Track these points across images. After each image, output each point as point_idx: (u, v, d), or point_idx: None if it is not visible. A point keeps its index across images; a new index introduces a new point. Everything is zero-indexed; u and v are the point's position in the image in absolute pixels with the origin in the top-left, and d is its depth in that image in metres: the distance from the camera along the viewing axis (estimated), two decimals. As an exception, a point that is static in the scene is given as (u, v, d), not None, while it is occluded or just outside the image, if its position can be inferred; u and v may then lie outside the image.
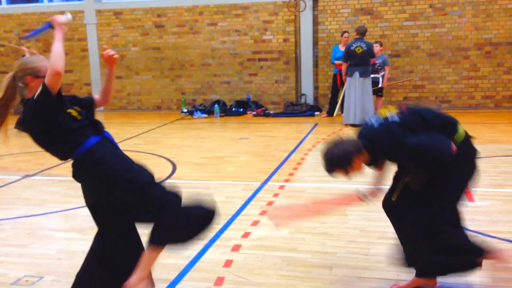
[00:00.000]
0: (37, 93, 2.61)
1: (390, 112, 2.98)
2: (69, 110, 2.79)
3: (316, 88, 12.40)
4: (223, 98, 12.61)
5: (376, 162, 3.15)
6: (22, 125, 2.72)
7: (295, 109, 11.65)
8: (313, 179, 5.99)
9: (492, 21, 11.27)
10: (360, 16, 11.83)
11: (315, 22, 12.15)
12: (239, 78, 12.75)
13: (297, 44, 12.28)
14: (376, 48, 9.97)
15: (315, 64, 12.30)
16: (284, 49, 12.39)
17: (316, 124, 10.10)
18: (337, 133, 9.17)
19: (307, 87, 12.30)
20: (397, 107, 3.04)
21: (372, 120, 3.01)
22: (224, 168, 6.70)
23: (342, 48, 10.68)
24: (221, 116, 11.71)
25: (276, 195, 5.34)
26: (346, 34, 10.84)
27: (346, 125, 9.69)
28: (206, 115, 11.88)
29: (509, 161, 6.42)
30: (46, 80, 2.58)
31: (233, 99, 12.57)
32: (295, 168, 6.46)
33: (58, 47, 2.62)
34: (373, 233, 4.18)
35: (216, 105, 11.85)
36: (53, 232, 4.48)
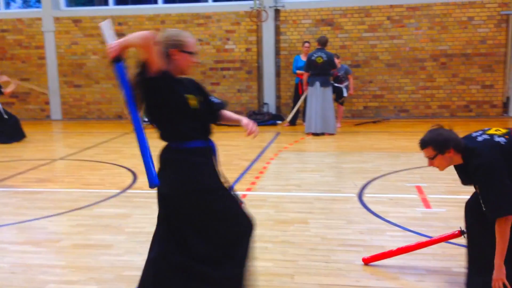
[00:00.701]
0: None
1: (499, 132, 3.05)
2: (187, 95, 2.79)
3: (278, 97, 12.50)
4: (185, 107, 12.52)
5: (460, 171, 3.21)
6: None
7: (258, 118, 11.70)
8: (275, 187, 6.02)
9: (447, 33, 11.66)
10: (321, 26, 12.03)
11: (277, 32, 12.28)
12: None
13: (259, 53, 12.36)
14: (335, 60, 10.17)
15: (277, 74, 12.41)
16: (246, 59, 12.46)
17: (278, 133, 10.18)
18: (300, 141, 9.26)
19: (269, 96, 12.39)
20: (507, 129, 3.10)
21: (478, 133, 3.11)
22: (186, 177, 6.64)
23: (303, 58, 10.83)
24: (183, 125, 11.61)
25: (238, 204, 5.33)
26: (307, 44, 11.00)
27: (308, 133, 9.80)
28: (168, 124, 11.74)
29: (464, 169, 6.63)
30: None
31: (195, 108, 12.50)
32: (257, 177, 6.47)
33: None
34: (334, 241, 4.23)
35: (178, 114, 11.75)
36: (7, 245, 4.33)
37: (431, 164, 3.14)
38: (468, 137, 3.14)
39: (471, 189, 5.81)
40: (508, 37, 11.39)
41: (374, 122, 11.38)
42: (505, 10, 11.32)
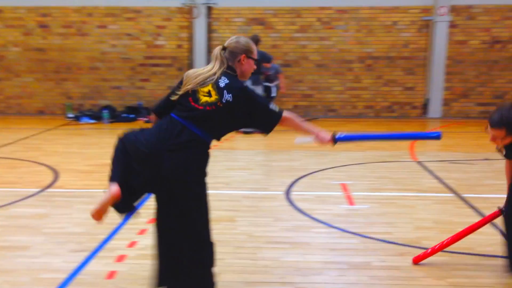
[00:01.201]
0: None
1: None
2: None
3: (209, 95, 12.40)
4: (113, 104, 12.19)
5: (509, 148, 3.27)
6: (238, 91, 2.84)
7: (154, 109, 11.55)
8: (209, 186, 5.96)
9: (373, 37, 12.09)
10: (253, 25, 12.09)
11: (209, 30, 12.21)
12: (130, 83, 12.41)
13: (191, 50, 12.24)
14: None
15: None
16: (177, 55, 12.29)
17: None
18: (231, 139, 9.26)
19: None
20: None
21: None
22: (112, 175, 6.45)
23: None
24: (110, 122, 11.30)
25: (165, 202, 5.25)
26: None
27: (239, 131, 9.81)
28: (94, 121, 11.39)
29: (386, 167, 6.90)
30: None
31: (123, 104, 12.19)
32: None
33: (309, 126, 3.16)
34: (261, 238, 4.25)
35: (105, 111, 11.42)
36: None
37: (494, 140, 3.20)
38: None
39: (392, 186, 6.05)
40: (429, 41, 11.99)
41: None
42: (426, 16, 11.90)
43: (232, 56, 2.93)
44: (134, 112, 11.87)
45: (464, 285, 3.40)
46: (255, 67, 3.01)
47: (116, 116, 11.63)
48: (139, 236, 4.25)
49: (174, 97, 2.91)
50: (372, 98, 12.33)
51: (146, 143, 2.77)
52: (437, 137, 3.15)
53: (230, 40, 2.98)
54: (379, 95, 12.30)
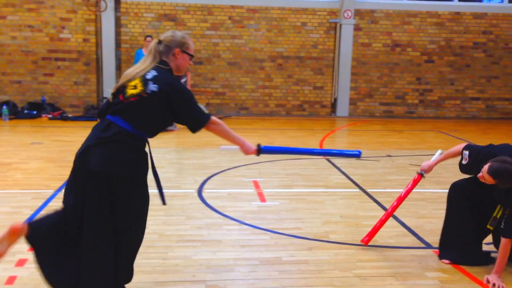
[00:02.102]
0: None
1: None
2: None
3: (118, 91, 12.02)
4: (13, 99, 11.43)
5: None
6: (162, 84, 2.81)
7: (97, 113, 11.13)
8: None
9: (283, 37, 12.36)
10: (164, 21, 11.88)
11: (118, 24, 11.82)
12: (32, 78, 11.70)
13: (98, 45, 11.77)
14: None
15: (118, 67, 11.95)
16: (84, 50, 11.77)
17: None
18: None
19: (109, 91, 11.85)
20: None
21: None
22: (12, 175, 6.05)
23: (145, 52, 10.56)
24: (10, 119, 10.59)
25: (71, 203, 5.01)
26: (149, 38, 10.73)
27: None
28: (-8, 118, 10.63)
29: (297, 164, 7.07)
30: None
31: (25, 100, 11.48)
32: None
33: (236, 137, 3.16)
34: (172, 237, 4.19)
35: (4, 107, 10.68)
36: None
37: (482, 178, 3.43)
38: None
39: (303, 183, 6.20)
40: (336, 43, 12.46)
41: None
42: (333, 19, 12.37)
43: (166, 50, 2.93)
44: (37, 108, 11.21)
45: (369, 276, 3.57)
46: (191, 62, 3.01)
47: (17, 113, 10.94)
48: (41, 239, 4.02)
49: (110, 98, 2.94)
50: (283, 97, 12.60)
51: (81, 146, 2.82)
52: (357, 155, 3.40)
53: (166, 34, 2.98)
54: (290, 94, 12.60)
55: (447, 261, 3.80)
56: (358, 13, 12.36)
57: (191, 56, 2.99)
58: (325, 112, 12.75)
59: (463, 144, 3.79)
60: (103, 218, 2.75)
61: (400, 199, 4.08)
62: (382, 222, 4.09)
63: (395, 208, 4.11)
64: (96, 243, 2.75)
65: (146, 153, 2.90)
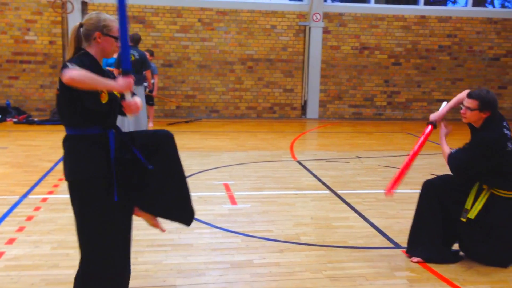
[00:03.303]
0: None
1: None
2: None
3: (86, 94, 11.82)
4: (-24, 103, 11.13)
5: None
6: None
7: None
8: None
9: (253, 39, 12.38)
10: (132, 24, 11.75)
11: (85, 26, 11.62)
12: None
13: (65, 47, 11.56)
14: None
15: (85, 70, 11.74)
16: (50, 52, 11.54)
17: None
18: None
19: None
20: None
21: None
22: (-25, 181, 5.88)
23: (115, 55, 10.43)
24: (-27, 123, 10.30)
25: (37, 208, 4.90)
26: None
27: (118, 133, 9.47)
28: (-46, 122, 10.31)
29: (268, 166, 7.09)
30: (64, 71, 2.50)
31: (-11, 104, 11.19)
32: (61, 179, 6.02)
33: (96, 78, 2.52)
34: (142, 242, 4.14)
35: (-33, 111, 10.39)
36: None
37: (464, 113, 3.72)
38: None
39: (274, 185, 6.21)
40: (305, 46, 12.56)
41: (186, 122, 11.52)
42: (302, 22, 12.46)
43: (87, 34, 2.71)
44: (1, 112, 10.94)
45: (340, 277, 3.60)
46: (117, 45, 2.74)
47: (-20, 117, 10.64)
48: (7, 246, 3.92)
49: None
50: (254, 99, 12.61)
51: None
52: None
53: (89, 15, 2.76)
54: (260, 96, 12.63)
55: (415, 259, 3.87)
56: (326, 16, 12.49)
57: (115, 38, 2.72)
58: (296, 114, 12.82)
59: (468, 90, 3.92)
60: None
61: (415, 154, 3.92)
62: (402, 172, 3.84)
63: (411, 160, 3.89)
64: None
65: (91, 150, 2.68)
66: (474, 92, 3.71)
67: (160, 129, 3.00)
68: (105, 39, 2.71)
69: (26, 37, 11.41)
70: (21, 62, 11.47)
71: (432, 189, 3.89)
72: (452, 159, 3.75)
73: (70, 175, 2.69)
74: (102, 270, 2.75)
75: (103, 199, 2.68)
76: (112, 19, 2.74)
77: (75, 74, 2.45)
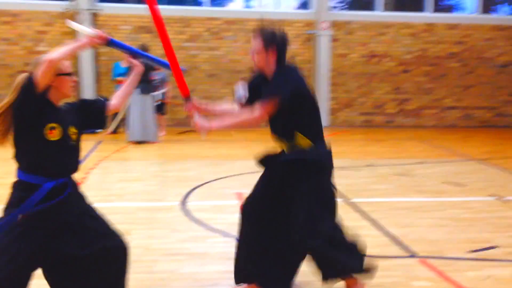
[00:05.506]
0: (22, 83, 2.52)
1: None
2: (52, 125, 2.52)
3: (97, 104, 11.91)
4: (-12, 114, 11.21)
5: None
6: None
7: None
8: (95, 198, 5.61)
9: (262, 48, 12.40)
10: (142, 34, 11.84)
11: (95, 37, 11.72)
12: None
13: (76, 58, 11.65)
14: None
15: (97, 80, 11.84)
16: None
17: (99, 142, 9.68)
18: (122, 150, 8.95)
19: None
20: None
21: None
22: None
23: (123, 65, 10.50)
24: (-14, 133, 10.37)
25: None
26: (128, 51, 10.69)
27: (131, 142, 9.52)
28: (-34, 133, 10.39)
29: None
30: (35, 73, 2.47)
31: (1, 114, 11.27)
32: (74, 189, 6.04)
33: (66, 47, 2.54)
34: (158, 251, 4.14)
35: (-21, 121, 10.46)
36: None
37: (252, 57, 3.16)
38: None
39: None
40: (313, 54, 12.58)
41: (231, 128, 11.53)
42: (310, 30, 12.49)
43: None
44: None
45: (356, 285, 3.57)
46: (74, 80, 2.75)
47: (-8, 127, 10.72)
48: None
49: None
50: (263, 108, 12.60)
51: None
52: (166, 66, 3.26)
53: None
54: (269, 104, 12.62)
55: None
56: (334, 24, 12.52)
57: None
58: (305, 122, 12.80)
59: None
60: None
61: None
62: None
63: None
64: None
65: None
66: (257, 29, 3.22)
67: (117, 235, 2.89)
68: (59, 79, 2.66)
69: (38, 48, 11.51)
70: (33, 72, 11.55)
71: (249, 211, 3.37)
72: (263, 98, 3.04)
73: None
74: None
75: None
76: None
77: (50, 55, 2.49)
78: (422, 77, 13.01)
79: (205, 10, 12.20)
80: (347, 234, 3.25)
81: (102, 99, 3.02)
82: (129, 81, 3.11)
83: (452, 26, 12.94)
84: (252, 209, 3.34)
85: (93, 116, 2.89)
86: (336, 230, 3.24)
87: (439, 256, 4.12)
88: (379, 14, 12.85)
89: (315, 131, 3.24)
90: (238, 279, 3.41)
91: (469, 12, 13.49)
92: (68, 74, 2.67)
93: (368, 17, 12.75)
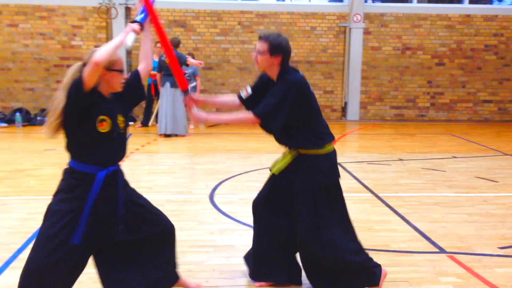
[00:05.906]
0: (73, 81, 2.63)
1: None
2: (102, 117, 2.68)
3: (129, 98, 12.10)
4: (26, 106, 11.56)
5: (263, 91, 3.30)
6: None
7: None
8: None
9: (293, 41, 12.36)
10: (174, 28, 11.96)
11: (128, 31, 11.90)
12: (45, 85, 11.82)
13: (109, 52, 11.86)
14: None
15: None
16: (95, 57, 11.87)
17: (130, 134, 9.87)
18: (152, 143, 9.09)
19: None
20: None
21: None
22: (26, 182, 6.10)
23: (155, 58, 10.65)
24: (23, 125, 10.71)
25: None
26: (159, 45, 10.82)
27: (161, 135, 9.66)
28: (5, 124, 10.76)
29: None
30: (84, 71, 2.57)
31: (38, 107, 11.60)
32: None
33: (112, 42, 2.63)
34: (185, 242, 4.20)
35: (17, 114, 10.81)
36: None
37: (256, 57, 3.23)
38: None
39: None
40: (345, 47, 12.46)
41: (226, 124, 11.62)
42: (342, 23, 12.36)
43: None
44: (49, 115, 11.32)
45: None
46: (124, 77, 2.83)
47: (29, 120, 11.05)
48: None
49: None
50: (292, 101, 12.57)
51: None
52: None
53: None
54: (299, 98, 12.57)
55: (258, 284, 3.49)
56: (367, 16, 12.35)
57: (121, 71, 2.83)
58: (336, 116, 12.73)
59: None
60: None
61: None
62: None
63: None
64: None
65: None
66: (264, 33, 3.27)
67: (163, 219, 3.05)
68: (111, 74, 2.76)
69: (73, 42, 11.78)
70: (68, 66, 11.75)
71: (259, 207, 3.54)
72: (261, 108, 3.18)
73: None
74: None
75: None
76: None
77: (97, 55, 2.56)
78: (456, 70, 12.72)
79: (237, 3, 12.22)
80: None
81: (131, 73, 3.06)
82: (145, 40, 3.16)
83: (490, 18, 12.58)
84: (262, 208, 3.51)
85: (132, 92, 2.96)
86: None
87: (468, 252, 4.06)
88: (414, 6, 12.60)
89: (318, 134, 3.43)
90: (254, 277, 3.49)
91: (508, 4, 13.09)
92: (120, 71, 2.75)
93: (402, 9, 12.51)
